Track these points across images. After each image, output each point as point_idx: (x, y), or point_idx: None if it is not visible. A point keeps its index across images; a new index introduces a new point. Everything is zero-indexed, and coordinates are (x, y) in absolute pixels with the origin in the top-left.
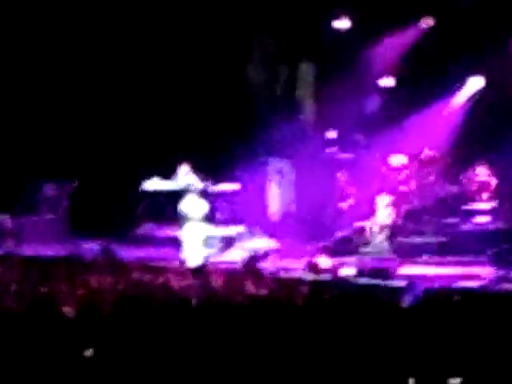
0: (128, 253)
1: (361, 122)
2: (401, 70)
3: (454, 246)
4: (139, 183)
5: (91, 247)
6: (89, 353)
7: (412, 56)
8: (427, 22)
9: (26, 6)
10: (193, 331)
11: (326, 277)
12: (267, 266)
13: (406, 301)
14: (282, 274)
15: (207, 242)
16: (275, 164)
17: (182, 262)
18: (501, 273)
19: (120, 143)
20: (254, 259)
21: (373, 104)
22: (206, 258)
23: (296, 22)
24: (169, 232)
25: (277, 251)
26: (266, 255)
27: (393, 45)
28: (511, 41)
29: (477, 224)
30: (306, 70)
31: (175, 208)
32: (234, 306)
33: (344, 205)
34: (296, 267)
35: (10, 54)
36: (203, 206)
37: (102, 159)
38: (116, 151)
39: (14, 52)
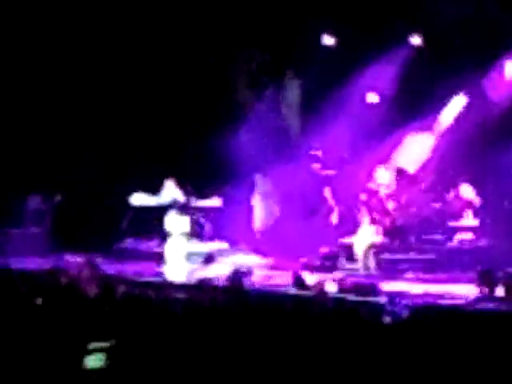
0: (111, 267)
1: (346, 138)
2: (387, 87)
3: (438, 263)
4: (124, 197)
5: (75, 261)
6: None
7: (399, 74)
8: (415, 41)
9: (24, 10)
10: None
11: (311, 293)
12: (252, 281)
13: (389, 318)
14: (267, 290)
15: (190, 257)
16: (260, 180)
17: (164, 277)
18: (484, 291)
19: (105, 157)
20: (237, 275)
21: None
22: (189, 273)
23: (282, 36)
24: (152, 247)
25: (261, 267)
26: (249, 272)
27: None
28: (496, 61)
29: (461, 241)
30: (292, 86)
31: (159, 223)
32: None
33: (329, 221)
34: (281, 283)
35: None
36: (187, 222)
37: (86, 173)
38: (101, 165)
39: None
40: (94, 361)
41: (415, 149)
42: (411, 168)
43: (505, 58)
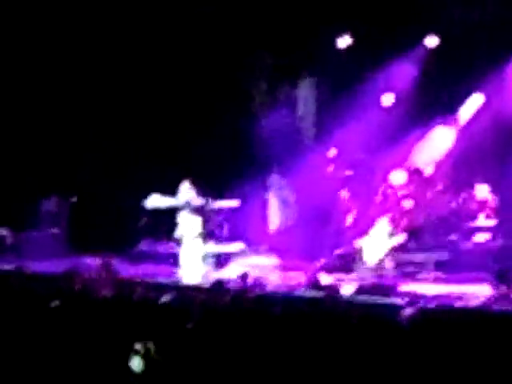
0: (127, 269)
1: (362, 139)
2: (403, 87)
3: (454, 264)
4: (139, 199)
5: (92, 263)
6: None
7: (414, 74)
8: (431, 41)
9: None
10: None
11: (327, 294)
12: (269, 282)
13: (406, 318)
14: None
15: (206, 258)
16: (276, 181)
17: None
18: (501, 291)
19: (122, 159)
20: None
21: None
22: (203, 275)
23: (297, 38)
24: (168, 249)
25: (277, 268)
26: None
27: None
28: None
29: (477, 242)
30: (307, 87)
31: (175, 225)
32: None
33: (345, 222)
34: (297, 284)
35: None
36: (202, 223)
37: (102, 174)
38: (117, 167)
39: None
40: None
41: (433, 146)
42: (427, 168)
43: None
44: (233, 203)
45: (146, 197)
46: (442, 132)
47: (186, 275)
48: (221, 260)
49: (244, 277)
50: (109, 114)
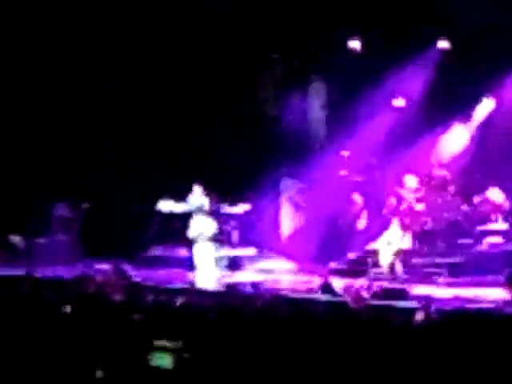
0: (139, 274)
1: (374, 143)
2: (414, 91)
3: (467, 267)
4: (151, 204)
5: (103, 268)
6: None
7: (426, 78)
8: (442, 45)
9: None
10: None
11: (340, 298)
12: (282, 286)
13: (419, 322)
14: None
15: (219, 263)
16: (288, 185)
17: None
18: None
19: (133, 164)
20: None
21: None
22: (217, 279)
23: (308, 42)
24: (180, 253)
25: (289, 272)
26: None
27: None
28: None
29: (490, 245)
30: (318, 91)
31: (187, 229)
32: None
33: (357, 226)
34: (309, 288)
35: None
36: (215, 228)
37: (114, 179)
38: (129, 172)
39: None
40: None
41: (447, 148)
42: (440, 172)
43: None
44: (245, 207)
45: (158, 201)
46: (458, 131)
47: (200, 279)
48: (233, 264)
49: (256, 285)
50: (121, 120)
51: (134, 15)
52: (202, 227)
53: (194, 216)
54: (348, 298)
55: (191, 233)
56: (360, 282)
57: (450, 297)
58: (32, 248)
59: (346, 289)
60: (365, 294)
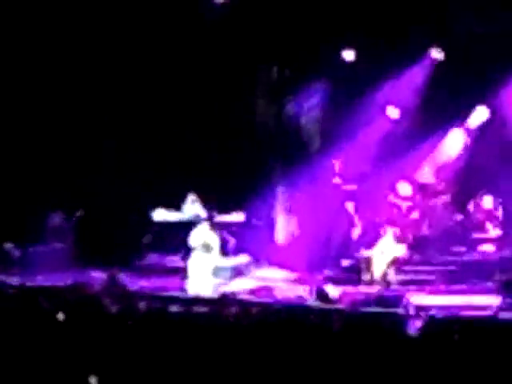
0: (134, 282)
1: (368, 152)
2: (408, 100)
3: (461, 275)
4: (146, 213)
5: (98, 276)
6: None
7: (419, 87)
8: (436, 55)
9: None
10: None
11: (335, 305)
12: (276, 294)
13: (413, 329)
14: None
15: (214, 271)
16: (282, 193)
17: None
18: (508, 301)
19: (128, 173)
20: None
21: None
22: (214, 287)
23: (302, 52)
24: (175, 262)
25: (285, 280)
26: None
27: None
28: None
29: (484, 253)
30: (313, 100)
31: (182, 238)
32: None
33: (351, 234)
34: (304, 296)
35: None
36: (210, 236)
37: (108, 188)
38: (124, 181)
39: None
40: None
41: (443, 155)
42: (434, 180)
43: None
44: (239, 216)
45: (152, 210)
46: (452, 140)
47: (195, 288)
48: (229, 273)
49: (252, 292)
50: (117, 130)
51: (128, 22)
52: (197, 236)
53: (189, 225)
54: (343, 305)
55: (192, 242)
56: (354, 290)
57: (444, 304)
58: (27, 256)
59: (339, 297)
60: (358, 302)
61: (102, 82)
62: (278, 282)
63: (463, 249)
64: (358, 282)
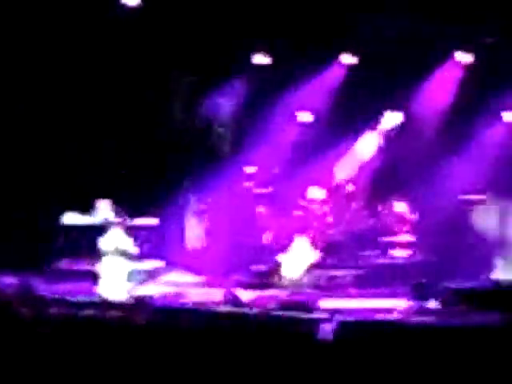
0: (46, 287)
1: (280, 156)
2: (320, 104)
3: (372, 279)
4: (57, 217)
5: (9, 282)
6: None
7: (332, 92)
8: (348, 59)
9: None
10: None
11: (246, 310)
12: (188, 299)
13: (325, 333)
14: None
15: (127, 276)
16: (193, 198)
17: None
18: (419, 305)
19: (38, 176)
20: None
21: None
22: (127, 292)
23: (213, 56)
24: (87, 266)
25: (195, 285)
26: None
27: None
28: (429, 78)
29: (395, 257)
30: (224, 104)
31: (93, 242)
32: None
33: (263, 238)
34: (216, 300)
35: None
36: (122, 241)
37: (18, 192)
38: (33, 184)
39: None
40: None
41: (354, 160)
42: (346, 184)
43: (435, 75)
44: (152, 221)
45: (63, 214)
46: (365, 144)
47: (107, 292)
48: (141, 277)
49: (164, 297)
50: (22, 132)
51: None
52: (109, 241)
53: (101, 230)
54: (253, 310)
55: (104, 246)
56: (266, 294)
57: (355, 308)
58: None
59: (252, 301)
60: (271, 306)
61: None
62: (190, 286)
63: (375, 253)
64: (270, 286)
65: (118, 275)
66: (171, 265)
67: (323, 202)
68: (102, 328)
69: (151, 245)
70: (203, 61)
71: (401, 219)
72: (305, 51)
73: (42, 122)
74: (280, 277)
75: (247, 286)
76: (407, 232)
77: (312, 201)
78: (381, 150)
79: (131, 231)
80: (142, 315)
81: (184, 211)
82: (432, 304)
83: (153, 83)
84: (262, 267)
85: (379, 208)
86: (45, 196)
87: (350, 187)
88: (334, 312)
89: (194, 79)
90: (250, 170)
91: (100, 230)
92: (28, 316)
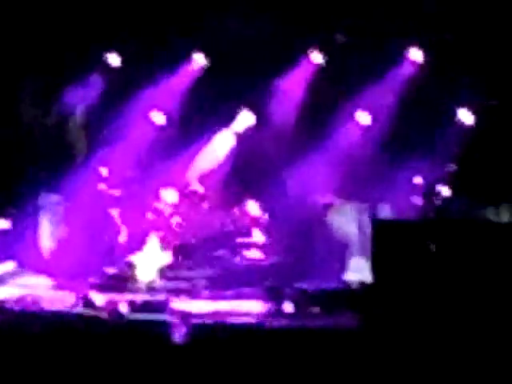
0: None
1: (133, 158)
2: (174, 104)
3: (226, 281)
4: None
5: None
6: None
7: (185, 92)
8: (199, 59)
9: None
10: None
11: (99, 313)
12: (41, 302)
13: (178, 336)
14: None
15: None
16: (47, 199)
17: None
18: (272, 307)
19: None
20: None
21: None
22: None
23: (62, 57)
24: None
25: (49, 288)
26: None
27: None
28: (283, 78)
29: (249, 258)
30: (78, 104)
31: None
32: None
33: (116, 240)
34: (70, 304)
35: None
36: None
37: None
38: None
39: None
40: None
41: (207, 160)
42: (199, 185)
43: (289, 75)
44: (4, 224)
45: None
46: (216, 145)
47: None
48: None
49: (19, 300)
50: None
51: None
52: None
53: None
54: (106, 313)
55: None
56: (119, 297)
57: (209, 311)
58: None
59: (105, 304)
60: (123, 309)
61: None
62: (44, 289)
63: (228, 254)
64: (123, 288)
65: None
66: (24, 267)
67: (176, 203)
68: None
69: (4, 248)
70: (56, 59)
71: (254, 220)
72: (157, 51)
73: None
74: (133, 279)
75: (100, 289)
76: (261, 233)
77: (165, 202)
78: (234, 150)
79: None
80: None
81: (38, 212)
82: (286, 306)
83: (2, 84)
84: (115, 270)
85: (232, 209)
86: None
87: (203, 188)
88: (186, 315)
89: (47, 78)
90: (104, 171)
91: None
92: None
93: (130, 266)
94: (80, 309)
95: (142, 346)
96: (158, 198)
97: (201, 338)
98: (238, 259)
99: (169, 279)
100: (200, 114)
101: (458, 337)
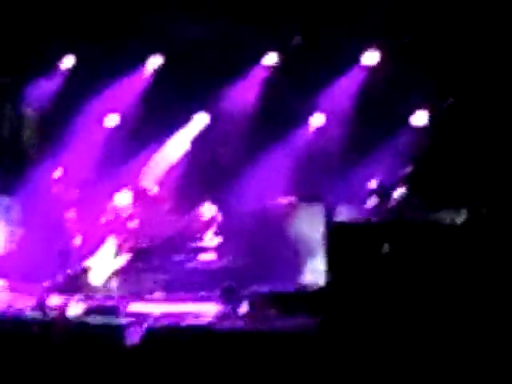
0: None
1: (88, 160)
2: (128, 106)
3: (181, 284)
4: None
5: None
6: None
7: (139, 94)
8: (156, 61)
9: None
10: None
11: (55, 316)
12: None
13: (132, 339)
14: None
15: None
16: (1, 201)
17: None
18: (228, 310)
19: None
20: None
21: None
22: None
23: (15, 58)
24: None
25: (4, 290)
26: None
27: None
28: (237, 80)
29: (205, 261)
30: (30, 110)
31: None
32: None
33: (72, 242)
34: (25, 306)
35: None
36: None
37: None
38: None
39: None
40: None
41: (161, 164)
42: (154, 188)
43: (244, 77)
44: None
45: None
46: (172, 146)
47: None
48: None
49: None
50: None
51: None
52: None
53: None
54: (58, 316)
55: None
56: (72, 300)
57: (164, 313)
58: None
59: (58, 307)
60: (76, 312)
61: None
62: None
63: (184, 257)
64: (78, 291)
65: None
66: None
67: (131, 205)
68: None
69: None
70: (10, 61)
71: (210, 223)
72: (112, 53)
73: None
74: (88, 282)
75: (55, 292)
76: (216, 236)
77: (120, 205)
78: (189, 152)
79: None
80: None
81: None
82: (242, 308)
83: None
84: (71, 272)
85: (188, 212)
86: None
87: (158, 191)
88: (141, 317)
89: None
90: (58, 174)
91: None
92: None
93: (85, 269)
94: (33, 311)
95: (96, 349)
96: (113, 199)
97: (155, 340)
98: (193, 262)
99: (124, 281)
100: (155, 116)
101: (412, 336)
